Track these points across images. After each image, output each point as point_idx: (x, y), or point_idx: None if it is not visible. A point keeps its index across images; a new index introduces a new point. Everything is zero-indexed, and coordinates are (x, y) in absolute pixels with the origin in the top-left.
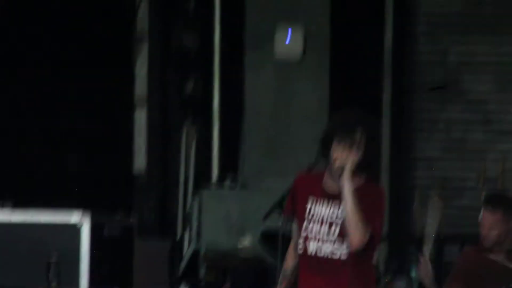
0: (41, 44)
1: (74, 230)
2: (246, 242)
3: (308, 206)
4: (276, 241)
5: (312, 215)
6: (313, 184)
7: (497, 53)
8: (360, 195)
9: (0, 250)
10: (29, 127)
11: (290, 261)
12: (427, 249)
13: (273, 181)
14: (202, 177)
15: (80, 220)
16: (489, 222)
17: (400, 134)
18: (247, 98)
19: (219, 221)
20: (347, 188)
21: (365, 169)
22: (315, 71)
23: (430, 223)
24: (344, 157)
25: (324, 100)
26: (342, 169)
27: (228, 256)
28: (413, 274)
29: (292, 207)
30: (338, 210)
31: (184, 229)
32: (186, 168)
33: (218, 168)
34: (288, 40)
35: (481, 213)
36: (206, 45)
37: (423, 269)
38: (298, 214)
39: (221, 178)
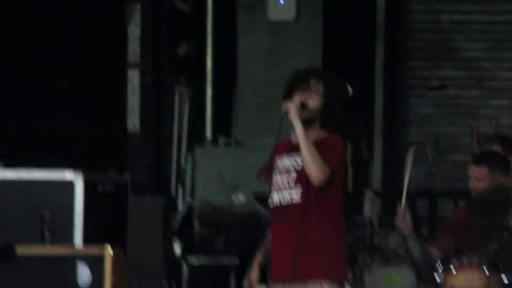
0: (34, 6)
1: (68, 187)
2: (240, 197)
3: (276, 162)
4: (267, 201)
5: (277, 169)
6: (284, 143)
7: (489, 12)
8: (318, 146)
9: None
10: (21, 88)
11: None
12: (403, 199)
13: (266, 140)
14: (195, 136)
15: (74, 177)
16: (475, 176)
17: (394, 92)
18: (240, 59)
19: (213, 178)
20: (296, 126)
21: (328, 122)
22: (308, 32)
23: (406, 175)
24: (291, 103)
25: (317, 61)
26: (285, 113)
27: (222, 212)
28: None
29: (270, 172)
30: (298, 157)
31: (178, 186)
32: (180, 128)
33: (211, 129)
34: (282, 1)
35: (469, 168)
36: (199, 7)
37: (401, 219)
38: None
39: (215, 137)
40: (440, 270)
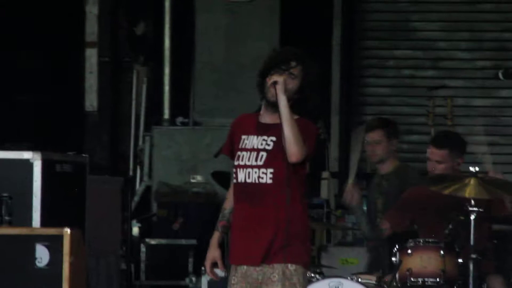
0: None
1: (27, 166)
2: (198, 177)
3: (242, 140)
4: (226, 180)
5: (243, 147)
6: (249, 121)
7: None
8: None
9: None
10: None
11: (228, 202)
12: (351, 175)
13: (224, 120)
14: (153, 116)
15: (32, 156)
16: (435, 157)
17: (351, 72)
18: (198, 38)
19: (170, 158)
20: (282, 99)
21: (302, 106)
22: (265, 11)
23: (353, 151)
24: (278, 76)
25: (274, 40)
26: (275, 83)
27: (180, 192)
28: (364, 207)
29: (230, 146)
30: (268, 138)
31: (135, 166)
32: (137, 107)
33: (169, 108)
34: None
35: (429, 149)
36: None
37: (348, 194)
38: (235, 152)
39: (173, 117)
40: (396, 251)
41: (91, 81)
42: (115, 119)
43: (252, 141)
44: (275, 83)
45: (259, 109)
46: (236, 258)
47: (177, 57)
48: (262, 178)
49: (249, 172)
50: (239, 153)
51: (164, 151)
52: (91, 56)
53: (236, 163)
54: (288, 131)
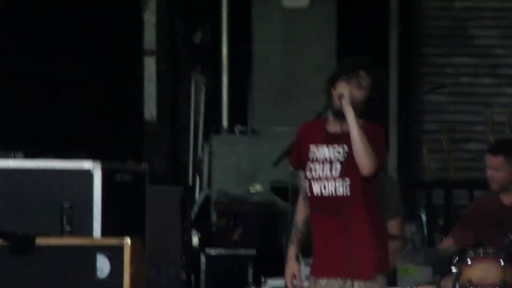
0: None
1: (87, 176)
2: (257, 187)
3: (311, 150)
4: (284, 192)
5: (315, 158)
6: (316, 130)
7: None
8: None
9: (13, 197)
10: (40, 77)
11: (300, 214)
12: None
13: (282, 128)
14: (212, 124)
15: (92, 166)
16: (492, 165)
17: (408, 79)
18: (255, 47)
19: (229, 167)
20: (349, 113)
21: (368, 114)
22: (322, 19)
23: None
24: (345, 88)
25: (331, 48)
26: (340, 96)
27: (239, 201)
28: (423, 218)
29: (297, 156)
30: (340, 148)
31: (195, 175)
32: (196, 116)
33: (227, 117)
34: None
35: (486, 158)
36: None
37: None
38: (303, 162)
39: (231, 125)
40: (456, 261)
41: (150, 90)
42: (174, 128)
43: (324, 151)
44: (341, 96)
45: (318, 116)
46: (317, 270)
47: (235, 66)
48: (339, 189)
49: (324, 185)
50: (310, 165)
51: (223, 160)
52: (150, 64)
53: (308, 175)
54: (358, 145)
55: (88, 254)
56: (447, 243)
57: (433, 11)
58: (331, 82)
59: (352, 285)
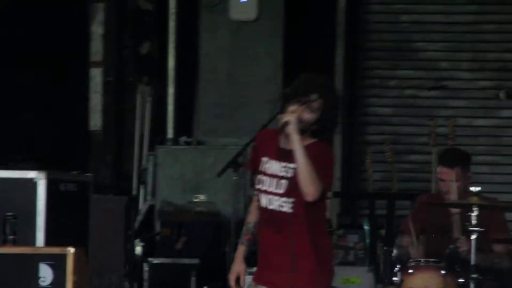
0: None
1: (31, 185)
2: (201, 197)
3: (263, 161)
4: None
5: (265, 169)
6: (270, 140)
7: (448, 12)
8: (308, 153)
9: None
10: None
11: (253, 215)
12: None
13: (228, 140)
14: (157, 135)
15: (37, 175)
16: (450, 177)
17: (353, 91)
18: (202, 58)
19: (174, 177)
20: (295, 140)
21: (320, 133)
22: (269, 32)
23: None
24: (292, 112)
25: (278, 61)
26: (286, 123)
27: (183, 211)
28: (366, 228)
29: (253, 162)
30: (290, 165)
31: (139, 185)
32: (141, 126)
33: (173, 127)
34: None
35: (439, 169)
36: (162, 6)
37: None
38: (257, 169)
39: (176, 136)
40: (397, 269)
41: (96, 100)
42: (119, 138)
43: (273, 166)
44: (286, 123)
45: (263, 128)
46: (258, 279)
47: (181, 77)
48: (283, 206)
49: (270, 199)
50: (260, 176)
51: (167, 170)
52: (96, 75)
53: (258, 186)
54: (302, 173)
55: (31, 263)
56: (408, 240)
57: (380, 24)
58: (285, 101)
59: None
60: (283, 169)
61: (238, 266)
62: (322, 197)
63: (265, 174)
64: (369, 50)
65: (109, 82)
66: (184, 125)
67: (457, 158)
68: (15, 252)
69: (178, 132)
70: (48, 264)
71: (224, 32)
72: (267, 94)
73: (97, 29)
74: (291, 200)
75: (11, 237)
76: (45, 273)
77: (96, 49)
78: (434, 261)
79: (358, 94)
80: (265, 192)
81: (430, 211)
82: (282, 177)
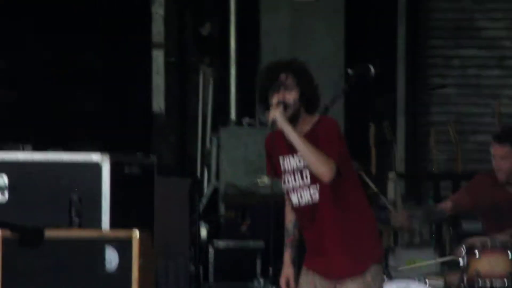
0: None
1: (95, 169)
2: (265, 179)
3: (280, 163)
4: None
5: (285, 170)
6: (278, 140)
7: None
8: (315, 134)
9: (22, 189)
10: (49, 68)
11: (289, 218)
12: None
13: None
14: (220, 117)
15: (101, 159)
16: (499, 154)
17: (416, 70)
18: (263, 39)
19: (237, 159)
20: (288, 132)
21: (312, 105)
22: (330, 11)
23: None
24: (275, 106)
25: (339, 40)
26: (273, 122)
27: (247, 194)
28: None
29: (271, 167)
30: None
31: (203, 167)
32: (204, 108)
33: (235, 109)
34: None
35: (492, 147)
36: None
37: (396, 219)
38: (278, 173)
39: (239, 117)
40: (464, 254)
41: (158, 82)
42: (182, 120)
43: (291, 162)
44: (273, 122)
45: (326, 109)
46: (306, 265)
47: (243, 58)
48: (312, 195)
49: (300, 194)
50: (284, 176)
51: (231, 152)
52: (158, 57)
53: (285, 187)
54: (307, 159)
55: (97, 246)
56: (445, 205)
57: (441, 3)
58: (263, 99)
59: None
60: (300, 162)
61: (286, 269)
62: (344, 172)
63: (287, 171)
64: (431, 29)
65: (171, 63)
66: (247, 106)
67: (509, 135)
68: (81, 236)
69: (240, 113)
70: (114, 248)
71: (285, 12)
72: (329, 73)
73: (158, 10)
74: (316, 186)
75: (77, 220)
76: (111, 256)
77: (158, 30)
78: (501, 245)
79: (420, 74)
80: (293, 189)
81: (484, 189)
82: (302, 168)
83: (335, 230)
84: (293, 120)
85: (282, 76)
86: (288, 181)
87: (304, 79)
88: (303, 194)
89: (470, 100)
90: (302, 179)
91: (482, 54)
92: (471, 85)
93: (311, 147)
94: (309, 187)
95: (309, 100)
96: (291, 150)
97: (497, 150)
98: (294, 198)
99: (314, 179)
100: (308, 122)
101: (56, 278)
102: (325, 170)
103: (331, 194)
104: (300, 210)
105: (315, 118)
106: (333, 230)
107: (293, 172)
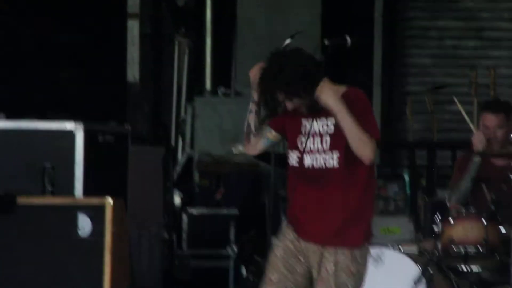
0: None
1: (69, 137)
2: (239, 148)
3: (303, 124)
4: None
5: (305, 131)
6: (292, 113)
7: None
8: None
9: None
10: (22, 39)
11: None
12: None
13: None
14: (195, 87)
15: (75, 127)
16: (493, 124)
17: (393, 41)
18: (239, 9)
19: (212, 128)
20: (334, 105)
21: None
22: None
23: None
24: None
25: (316, 12)
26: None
27: (222, 162)
28: (406, 178)
29: (281, 123)
30: (328, 121)
31: (177, 136)
32: (179, 78)
33: (211, 78)
34: None
35: (482, 118)
36: None
37: (476, 137)
38: (289, 129)
39: (214, 87)
40: (438, 221)
41: (133, 52)
42: (157, 90)
43: (313, 125)
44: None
45: None
46: (306, 235)
47: (218, 28)
48: (329, 163)
49: (316, 158)
50: (302, 138)
51: (206, 121)
52: (133, 27)
53: (300, 148)
54: (353, 138)
55: (70, 213)
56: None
57: None
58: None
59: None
60: (325, 126)
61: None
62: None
63: (306, 133)
64: (408, 0)
65: (146, 34)
66: (222, 76)
67: (502, 105)
68: (54, 203)
69: (216, 83)
70: (87, 215)
71: None
72: (305, 45)
73: None
74: (336, 154)
75: (49, 188)
76: (84, 223)
77: (133, 1)
78: (475, 211)
79: (397, 45)
80: (309, 151)
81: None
82: (324, 134)
83: (339, 199)
84: (315, 107)
85: (281, 97)
86: (306, 145)
87: (293, 88)
88: (319, 159)
89: (446, 70)
90: (321, 143)
91: (460, 25)
92: (448, 55)
93: (357, 128)
94: (326, 153)
95: (308, 85)
96: (316, 114)
97: (491, 120)
98: (308, 160)
99: (333, 146)
100: (337, 90)
101: (29, 244)
102: (369, 153)
103: (345, 165)
104: (306, 173)
105: (341, 88)
106: (337, 198)
107: (314, 135)
